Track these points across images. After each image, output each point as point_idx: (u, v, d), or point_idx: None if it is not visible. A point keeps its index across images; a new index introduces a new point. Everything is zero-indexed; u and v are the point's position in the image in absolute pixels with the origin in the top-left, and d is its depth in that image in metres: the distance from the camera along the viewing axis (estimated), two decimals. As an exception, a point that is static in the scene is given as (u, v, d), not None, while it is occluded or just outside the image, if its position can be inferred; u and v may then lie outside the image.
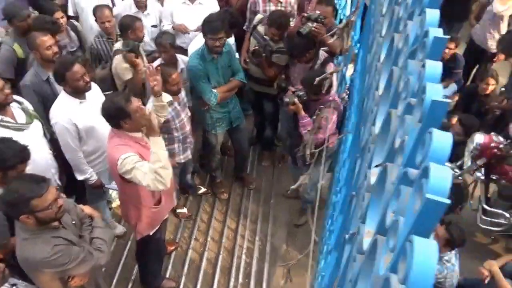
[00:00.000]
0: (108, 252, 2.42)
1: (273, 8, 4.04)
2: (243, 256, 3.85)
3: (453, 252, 3.12)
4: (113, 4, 4.43)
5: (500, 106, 4.33)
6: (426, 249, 0.57)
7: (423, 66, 0.88)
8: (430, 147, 0.71)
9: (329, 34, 3.44)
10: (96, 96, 3.08)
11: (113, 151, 2.48)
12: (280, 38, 3.70)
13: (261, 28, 3.87)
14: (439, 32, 0.91)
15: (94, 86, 3.10)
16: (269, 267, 3.76)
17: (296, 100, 3.18)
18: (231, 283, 3.62)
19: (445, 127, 4.19)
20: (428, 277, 0.55)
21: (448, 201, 0.61)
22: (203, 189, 4.26)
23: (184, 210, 4.07)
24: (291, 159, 3.85)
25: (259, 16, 3.94)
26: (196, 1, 4.19)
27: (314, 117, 3.21)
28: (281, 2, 4.06)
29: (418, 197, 0.68)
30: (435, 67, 0.85)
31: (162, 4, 4.39)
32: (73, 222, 2.34)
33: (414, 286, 0.55)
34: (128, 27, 3.58)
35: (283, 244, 3.96)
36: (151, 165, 2.37)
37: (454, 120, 3.95)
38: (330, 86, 3.39)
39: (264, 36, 3.81)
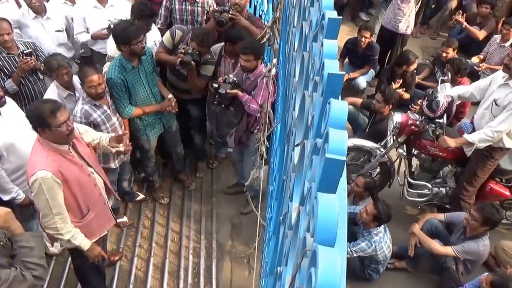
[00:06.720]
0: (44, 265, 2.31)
1: (189, 7, 3.99)
2: (190, 257, 3.84)
3: (381, 227, 3.37)
4: (19, 6, 4.13)
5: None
6: (328, 202, 0.64)
7: (322, 45, 0.96)
8: (329, 115, 0.79)
9: (260, 34, 3.50)
10: (12, 110, 2.92)
11: (33, 159, 2.40)
12: (201, 53, 3.47)
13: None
14: (333, 14, 0.99)
15: (9, 100, 2.94)
16: (216, 264, 3.79)
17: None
18: (181, 285, 3.60)
19: (368, 107, 4.49)
20: (332, 226, 0.62)
21: (344, 158, 0.68)
22: (141, 196, 4.17)
23: (125, 219, 3.97)
24: (221, 140, 3.96)
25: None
26: (107, 4, 4.07)
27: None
28: (197, 2, 4.00)
29: (322, 160, 0.75)
30: (331, 45, 0.93)
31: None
32: (1, 243, 2.20)
33: (320, 235, 0.62)
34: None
35: (228, 239, 4.00)
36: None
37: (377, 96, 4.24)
38: None
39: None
